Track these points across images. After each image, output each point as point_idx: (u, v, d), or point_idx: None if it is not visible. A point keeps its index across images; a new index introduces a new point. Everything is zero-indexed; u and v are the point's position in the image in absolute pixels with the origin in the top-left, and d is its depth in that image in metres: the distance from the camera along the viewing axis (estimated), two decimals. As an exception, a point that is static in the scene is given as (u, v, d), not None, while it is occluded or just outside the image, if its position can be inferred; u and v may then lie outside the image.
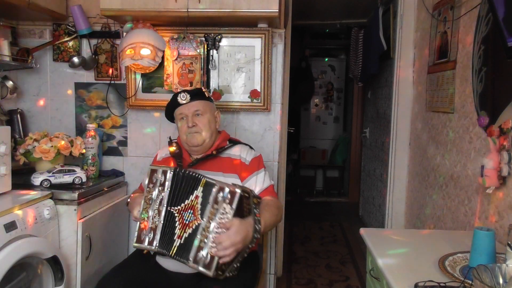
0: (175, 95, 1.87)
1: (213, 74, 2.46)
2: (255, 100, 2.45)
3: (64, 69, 2.56)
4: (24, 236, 1.66)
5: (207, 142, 1.86)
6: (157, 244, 1.60)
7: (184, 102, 1.83)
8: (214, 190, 1.53)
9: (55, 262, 1.80)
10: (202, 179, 1.59)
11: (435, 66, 2.37)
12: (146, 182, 1.68)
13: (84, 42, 2.53)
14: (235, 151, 1.89)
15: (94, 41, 2.52)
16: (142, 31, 2.28)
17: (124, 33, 2.35)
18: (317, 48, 6.42)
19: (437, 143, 2.33)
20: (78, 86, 2.58)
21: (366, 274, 1.67)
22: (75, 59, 2.45)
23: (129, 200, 1.87)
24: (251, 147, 1.96)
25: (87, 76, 2.57)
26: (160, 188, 1.64)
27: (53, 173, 2.04)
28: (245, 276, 1.69)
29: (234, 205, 1.50)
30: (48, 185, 2.01)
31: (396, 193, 3.01)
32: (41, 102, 2.60)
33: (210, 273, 1.49)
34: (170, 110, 1.91)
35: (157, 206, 1.63)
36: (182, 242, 1.57)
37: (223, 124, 2.51)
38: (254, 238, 1.57)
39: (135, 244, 1.64)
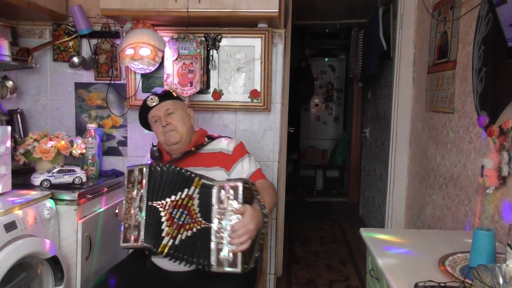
0: (144, 100, 1.89)
1: (213, 74, 2.46)
2: (255, 100, 2.45)
3: (64, 69, 2.56)
4: (24, 236, 1.66)
5: (185, 138, 1.87)
6: (143, 240, 1.59)
7: (154, 104, 1.85)
8: (215, 191, 1.54)
9: (55, 262, 1.80)
10: (195, 178, 1.59)
11: (435, 66, 2.37)
12: (125, 183, 1.69)
13: (84, 42, 2.53)
14: (215, 145, 1.90)
15: (94, 41, 2.52)
16: (142, 31, 2.28)
17: (124, 33, 2.35)
18: (317, 48, 6.42)
19: (437, 143, 2.33)
20: (78, 86, 2.58)
21: (366, 274, 1.67)
22: (75, 59, 2.45)
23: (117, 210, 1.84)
24: (230, 137, 1.97)
25: (87, 76, 2.57)
26: (138, 186, 1.63)
27: (53, 173, 2.04)
28: (244, 274, 1.69)
29: (241, 199, 1.51)
30: (48, 185, 2.01)
31: (396, 193, 3.01)
32: (41, 102, 2.60)
33: (238, 270, 1.49)
34: (143, 117, 1.91)
35: (138, 204, 1.62)
36: (177, 243, 1.56)
37: (223, 124, 2.52)
38: (264, 223, 1.59)
39: (123, 244, 1.63)
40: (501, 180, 1.55)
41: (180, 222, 1.57)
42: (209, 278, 1.64)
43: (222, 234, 1.51)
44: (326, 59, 6.30)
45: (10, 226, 1.60)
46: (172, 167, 1.64)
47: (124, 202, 1.67)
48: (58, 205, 1.93)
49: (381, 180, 3.55)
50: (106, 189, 2.24)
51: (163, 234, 1.57)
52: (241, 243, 1.49)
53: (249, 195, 1.57)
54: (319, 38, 6.13)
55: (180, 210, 1.58)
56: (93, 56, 2.51)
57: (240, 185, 1.51)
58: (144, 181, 1.62)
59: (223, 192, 1.52)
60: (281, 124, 2.56)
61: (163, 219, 1.59)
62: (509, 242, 1.18)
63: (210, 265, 1.51)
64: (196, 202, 1.57)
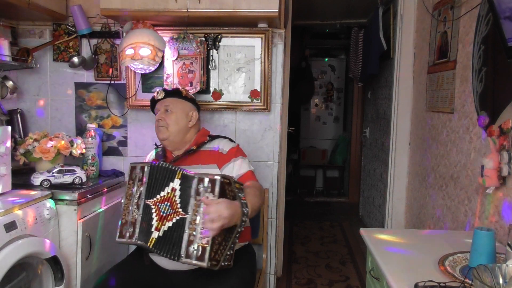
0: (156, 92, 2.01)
1: (213, 74, 2.46)
2: (255, 100, 2.45)
3: (64, 69, 2.56)
4: (24, 236, 1.66)
5: (173, 138, 1.91)
6: (137, 237, 1.62)
7: (159, 97, 1.95)
8: (194, 182, 1.55)
9: (55, 262, 1.80)
10: (178, 170, 1.62)
11: (435, 66, 2.37)
12: (127, 179, 1.72)
13: (84, 42, 2.53)
14: (214, 144, 1.94)
15: (94, 41, 2.52)
16: (142, 31, 2.28)
17: (124, 33, 2.35)
18: (317, 48, 6.43)
19: (437, 143, 2.33)
20: (78, 86, 2.58)
21: (366, 274, 1.67)
22: (75, 59, 2.45)
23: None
24: (230, 140, 2.00)
25: (87, 76, 2.57)
26: (138, 183, 1.67)
27: (53, 173, 2.04)
28: (242, 271, 1.70)
29: (217, 192, 1.51)
30: (48, 185, 2.01)
31: (396, 193, 3.01)
32: (41, 102, 2.60)
33: (204, 264, 1.48)
34: (152, 107, 2.03)
35: (136, 201, 1.66)
36: (161, 234, 1.58)
37: (223, 124, 2.52)
38: (242, 222, 1.55)
39: (118, 239, 1.67)
40: (501, 180, 1.55)
41: (164, 214, 1.59)
42: (208, 277, 1.64)
43: (195, 226, 1.51)
44: (326, 59, 6.30)
45: (10, 226, 1.60)
46: (164, 164, 1.67)
47: (124, 198, 1.70)
48: (58, 205, 1.93)
49: (381, 180, 3.55)
50: (106, 189, 2.24)
51: (152, 229, 1.60)
52: (211, 228, 1.46)
53: (230, 192, 1.56)
54: (319, 38, 6.13)
55: (166, 203, 1.60)
56: (93, 56, 2.51)
57: (218, 178, 1.52)
58: (144, 179, 1.66)
59: (201, 185, 1.53)
60: (281, 124, 2.56)
61: (154, 215, 1.62)
62: (509, 242, 1.18)
63: (180, 256, 1.51)
64: (177, 193, 1.59)
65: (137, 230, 1.62)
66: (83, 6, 2.41)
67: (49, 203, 1.88)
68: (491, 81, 1.69)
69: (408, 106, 2.90)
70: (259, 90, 2.43)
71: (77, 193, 1.96)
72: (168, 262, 1.72)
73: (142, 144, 2.57)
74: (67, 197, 1.95)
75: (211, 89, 2.47)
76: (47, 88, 2.59)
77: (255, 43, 2.40)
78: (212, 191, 1.51)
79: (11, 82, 2.39)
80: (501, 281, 1.04)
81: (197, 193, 1.53)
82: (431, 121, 2.44)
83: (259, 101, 2.44)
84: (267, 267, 2.59)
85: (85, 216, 2.01)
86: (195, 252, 1.49)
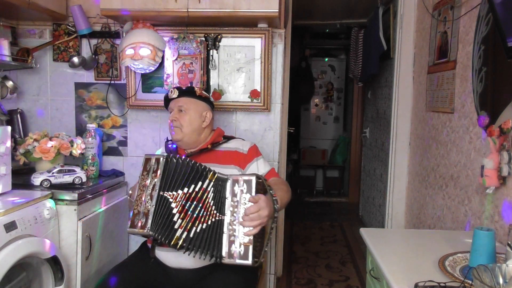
0: (169, 89, 2.02)
1: (213, 74, 2.46)
2: (255, 100, 2.45)
3: (64, 69, 2.56)
4: (24, 236, 1.66)
5: (187, 139, 1.90)
6: (149, 228, 1.59)
7: (173, 97, 1.93)
8: (229, 184, 1.56)
9: (55, 262, 1.80)
10: (210, 173, 1.61)
11: (435, 66, 2.37)
12: (141, 170, 1.70)
13: (84, 42, 2.53)
14: (231, 145, 1.94)
15: (94, 41, 2.52)
16: (142, 31, 2.28)
17: (124, 33, 2.36)
18: (317, 48, 6.42)
19: (437, 143, 2.33)
20: (78, 86, 2.58)
21: (366, 274, 1.67)
22: (75, 59, 2.45)
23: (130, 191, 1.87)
24: (243, 140, 2.02)
25: (87, 76, 2.57)
26: (153, 174, 1.65)
27: (53, 173, 2.04)
28: (246, 273, 1.70)
29: (253, 192, 1.53)
30: (48, 185, 2.01)
31: (396, 193, 3.01)
32: (41, 102, 2.60)
33: (249, 262, 1.50)
34: (166, 105, 2.02)
35: (149, 192, 1.63)
36: (191, 235, 1.56)
37: (223, 124, 2.52)
38: (274, 218, 1.62)
39: (129, 229, 1.64)
40: (501, 180, 1.55)
41: (195, 215, 1.58)
42: (211, 275, 1.64)
43: (234, 227, 1.53)
44: (326, 59, 6.30)
45: (10, 226, 1.61)
46: (188, 160, 1.65)
47: (137, 188, 1.68)
48: (58, 205, 1.93)
49: (381, 180, 3.55)
50: (106, 189, 2.24)
51: (176, 226, 1.58)
52: (252, 226, 1.50)
53: (262, 190, 1.59)
54: (319, 38, 6.13)
55: (195, 203, 1.59)
56: (93, 56, 2.51)
57: (253, 179, 1.54)
58: (159, 171, 1.64)
59: (236, 185, 1.55)
60: (281, 124, 2.56)
61: (175, 210, 1.60)
62: (509, 242, 1.18)
63: (222, 257, 1.53)
64: (210, 195, 1.59)
65: (149, 221, 1.59)
66: (83, 6, 2.41)
67: (49, 203, 1.88)
68: (491, 81, 1.69)
69: (408, 106, 2.90)
70: (259, 90, 2.43)
71: (77, 193, 1.96)
72: (172, 259, 1.72)
73: (142, 144, 2.57)
74: (67, 197, 1.95)
75: (211, 89, 2.47)
76: (47, 88, 2.59)
77: (255, 43, 2.40)
78: (249, 191, 1.54)
79: (11, 82, 2.39)
80: (501, 281, 1.04)
81: (233, 194, 1.55)
82: (431, 121, 2.44)
83: (259, 101, 2.44)
84: (267, 267, 2.59)
85: (85, 216, 2.01)
86: (238, 251, 1.51)
